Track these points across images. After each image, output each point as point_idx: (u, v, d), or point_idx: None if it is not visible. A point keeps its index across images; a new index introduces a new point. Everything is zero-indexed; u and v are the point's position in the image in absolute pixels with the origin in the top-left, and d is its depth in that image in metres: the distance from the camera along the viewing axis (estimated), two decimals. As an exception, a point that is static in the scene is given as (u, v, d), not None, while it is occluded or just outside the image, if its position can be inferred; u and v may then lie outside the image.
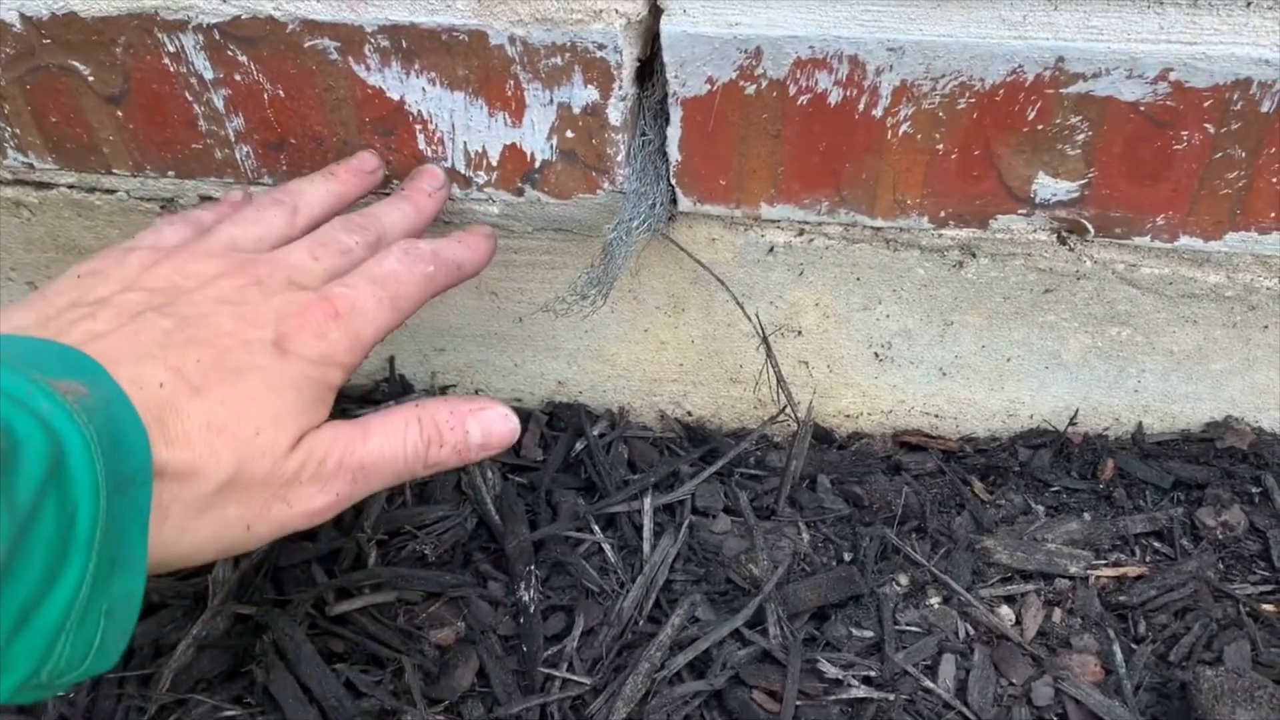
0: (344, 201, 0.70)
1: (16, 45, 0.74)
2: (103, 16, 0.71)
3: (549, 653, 0.71)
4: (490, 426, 0.62)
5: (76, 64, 0.75)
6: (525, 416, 0.90)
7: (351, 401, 0.91)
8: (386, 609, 0.74)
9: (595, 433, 0.86)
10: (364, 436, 0.57)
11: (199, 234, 0.65)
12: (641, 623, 0.72)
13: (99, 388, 0.47)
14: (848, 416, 0.86)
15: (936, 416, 0.84)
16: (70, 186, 0.84)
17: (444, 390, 0.91)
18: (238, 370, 0.54)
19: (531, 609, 0.72)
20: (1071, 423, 0.82)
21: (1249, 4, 0.58)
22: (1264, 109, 0.61)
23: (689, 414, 0.89)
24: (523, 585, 0.74)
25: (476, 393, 0.91)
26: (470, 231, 0.70)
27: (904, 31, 0.62)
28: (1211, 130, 0.63)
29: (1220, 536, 0.75)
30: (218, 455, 0.51)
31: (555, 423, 0.89)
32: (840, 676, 0.67)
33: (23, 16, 0.73)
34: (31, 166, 0.82)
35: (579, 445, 0.85)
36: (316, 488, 0.55)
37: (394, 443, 0.58)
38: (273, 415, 0.53)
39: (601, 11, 0.64)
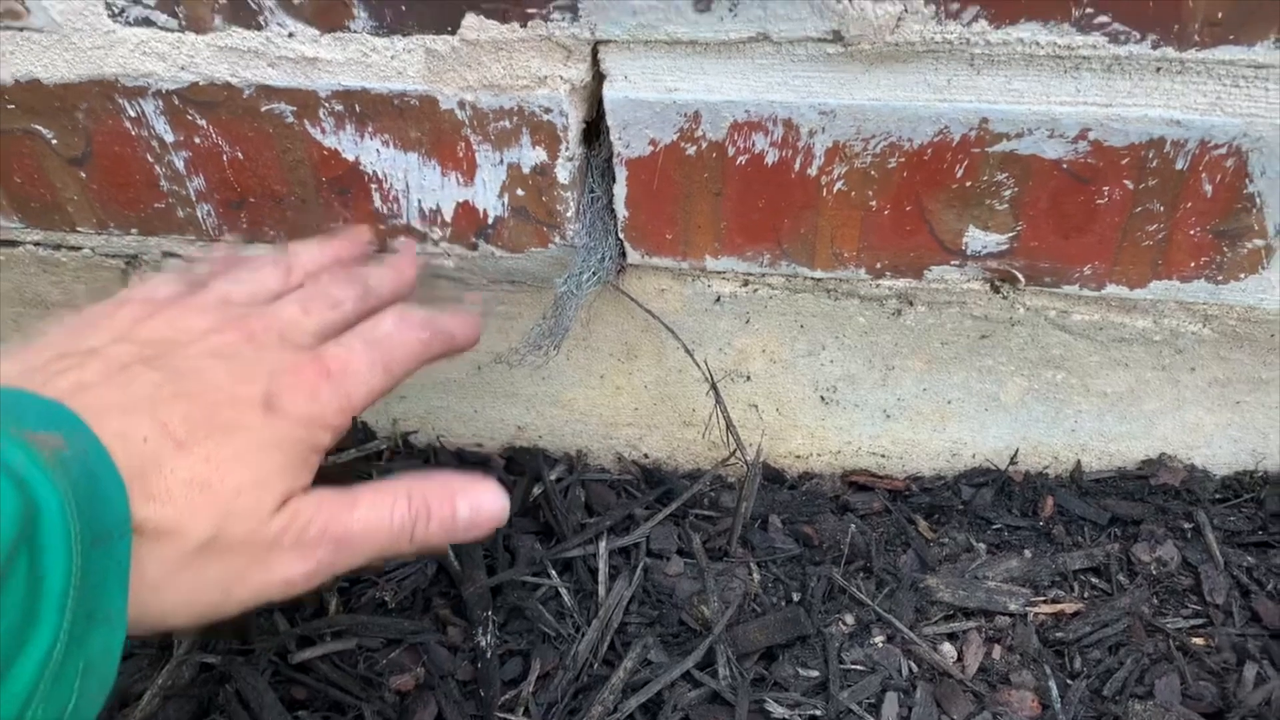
0: (337, 265, 0.71)
1: (-19, 110, 0.76)
2: (65, 83, 0.74)
3: (506, 697, 0.72)
4: (480, 504, 0.60)
5: (39, 128, 0.77)
6: (484, 460, 0.92)
7: (315, 448, 0.93)
8: (347, 656, 0.75)
9: (553, 477, 0.88)
10: (351, 506, 0.56)
11: (192, 289, 0.65)
12: (596, 666, 0.74)
13: (77, 440, 0.47)
14: (798, 457, 0.88)
15: (883, 456, 0.87)
16: (36, 244, 0.86)
17: (405, 438, 0.93)
18: (225, 427, 0.53)
19: (489, 654, 0.74)
20: (1012, 462, 0.85)
21: (1159, 69, 0.61)
22: (1178, 166, 0.64)
23: (645, 456, 0.91)
24: (480, 630, 0.75)
25: (438, 439, 0.93)
26: (464, 308, 0.71)
27: (834, 96, 0.65)
28: (1131, 186, 0.66)
29: (1154, 572, 0.77)
30: (199, 513, 0.50)
31: (513, 467, 0.91)
32: (787, 716, 0.69)
33: (-14, 83, 0.75)
34: (-3, 225, 0.84)
35: (537, 490, 0.87)
36: (297, 554, 0.54)
37: (381, 514, 0.57)
38: (257, 476, 0.53)
39: (546, 78, 0.67)
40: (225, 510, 0.51)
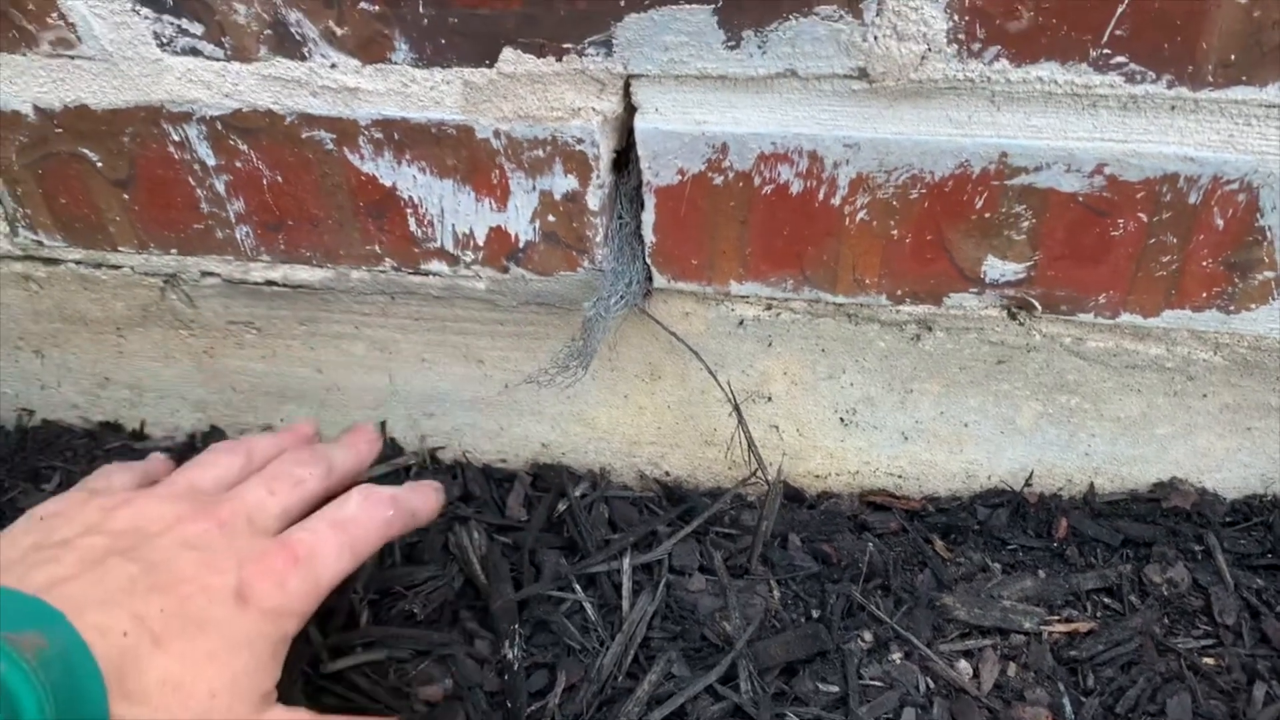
0: (296, 445, 0.73)
1: (30, 133, 0.79)
2: (112, 109, 0.76)
3: (532, 709, 0.74)
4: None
5: (86, 151, 0.79)
6: (510, 477, 0.94)
7: (344, 463, 0.95)
8: (378, 667, 0.78)
9: (577, 493, 0.90)
10: None
11: (145, 481, 0.68)
12: (620, 679, 0.76)
13: (58, 638, 0.48)
14: (817, 477, 0.90)
15: (900, 477, 0.89)
16: (77, 262, 0.88)
17: (433, 454, 0.95)
18: (198, 622, 0.55)
19: (515, 666, 0.76)
20: (1027, 484, 0.87)
21: (1173, 108, 0.63)
22: (1191, 200, 0.66)
23: (667, 474, 0.93)
24: (507, 643, 0.77)
25: (464, 454, 0.96)
26: (423, 483, 0.73)
27: (859, 130, 0.67)
28: (1145, 219, 0.68)
29: (1165, 593, 0.79)
30: (173, 716, 0.51)
31: (539, 483, 0.93)
32: (807, 730, 0.71)
33: (36, 108, 0.77)
34: (41, 244, 0.87)
35: (561, 506, 0.89)
36: None
37: None
38: (229, 677, 0.54)
39: (580, 110, 0.69)
40: (199, 712, 0.52)
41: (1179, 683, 0.74)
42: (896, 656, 0.77)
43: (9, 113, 0.78)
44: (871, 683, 0.75)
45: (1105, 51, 0.61)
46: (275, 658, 0.58)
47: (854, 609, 0.80)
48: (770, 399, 0.85)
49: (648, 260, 0.78)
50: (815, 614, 0.80)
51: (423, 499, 0.70)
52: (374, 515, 0.65)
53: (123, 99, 0.76)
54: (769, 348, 0.82)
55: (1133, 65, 0.61)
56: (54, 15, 0.72)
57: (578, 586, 0.82)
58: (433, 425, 0.94)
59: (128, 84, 0.75)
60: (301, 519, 0.64)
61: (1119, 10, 0.59)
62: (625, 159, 0.75)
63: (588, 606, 0.81)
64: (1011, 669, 0.76)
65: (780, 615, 0.80)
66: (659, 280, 0.79)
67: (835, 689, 0.74)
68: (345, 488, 0.68)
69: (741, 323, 0.81)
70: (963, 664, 0.76)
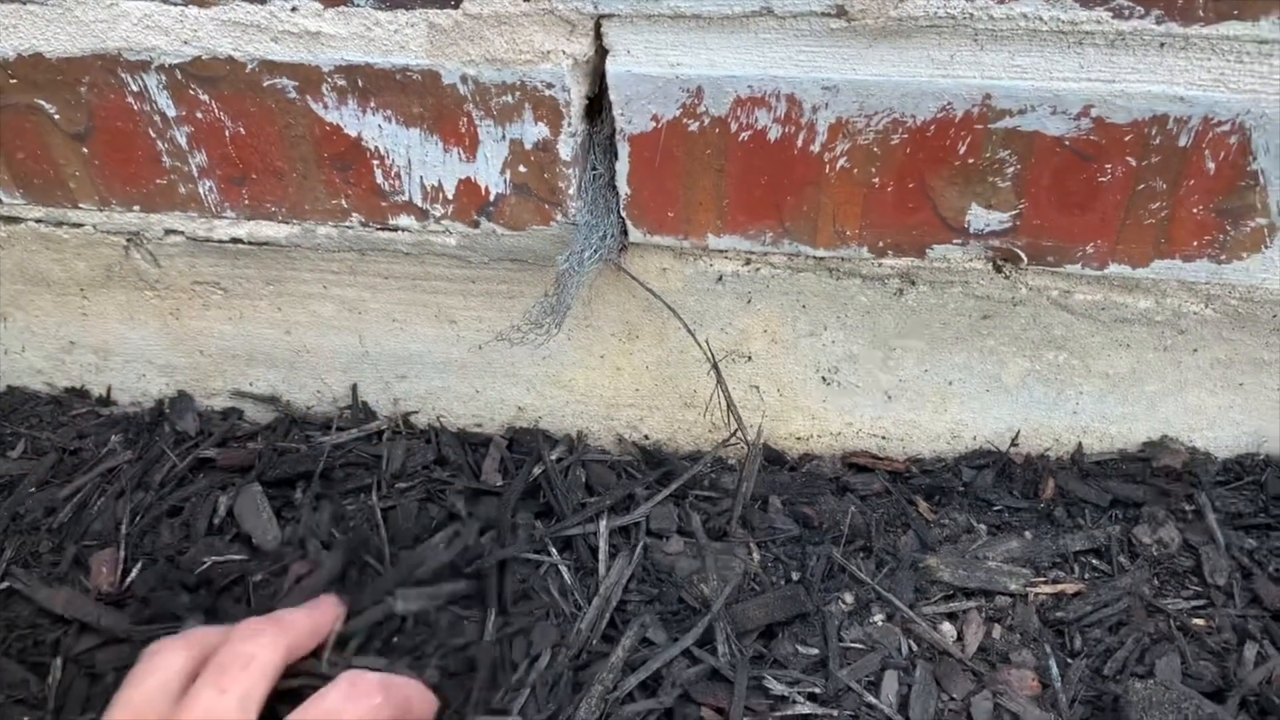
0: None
1: (-17, 85, 0.77)
2: (67, 57, 0.74)
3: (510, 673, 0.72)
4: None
5: (42, 103, 0.77)
6: (486, 441, 0.92)
7: (315, 428, 0.93)
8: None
9: (553, 457, 0.88)
10: None
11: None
12: (596, 642, 0.74)
13: None
14: (798, 439, 0.88)
15: (883, 438, 0.87)
16: (38, 221, 0.86)
17: (406, 418, 0.93)
18: None
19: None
20: (1013, 443, 0.85)
21: (1163, 45, 0.61)
22: (1181, 143, 0.64)
23: (646, 437, 0.91)
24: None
25: (438, 419, 0.93)
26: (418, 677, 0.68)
27: (838, 71, 0.65)
28: (1133, 163, 0.66)
29: (1155, 553, 0.77)
30: None
31: (515, 447, 0.91)
32: (785, 693, 0.69)
33: (-11, 57, 0.75)
34: (0, 202, 0.84)
35: (538, 470, 0.87)
36: None
37: None
38: None
39: (549, 53, 0.67)
40: None
41: (1168, 643, 0.72)
42: (878, 618, 0.75)
43: (-39, 62, 0.76)
44: (853, 645, 0.73)
45: (1092, -15, 0.58)
46: None
47: (835, 571, 0.78)
48: (750, 358, 0.83)
49: (622, 213, 0.75)
50: (795, 576, 0.78)
51: (419, 690, 0.65)
52: (359, 710, 0.59)
53: (78, 46, 0.73)
54: (748, 304, 0.79)
55: (1121, 1, 0.59)
56: (3, -43, 0.69)
57: (553, 550, 0.80)
58: (406, 388, 0.92)
59: (83, 30, 0.72)
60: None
61: (1106, -61, 0.57)
62: (598, 107, 0.72)
63: (563, 570, 0.79)
64: (996, 631, 0.74)
65: (760, 578, 0.78)
66: (634, 234, 0.76)
67: (815, 651, 0.72)
68: (311, 647, 0.66)
69: (720, 279, 0.78)
70: (946, 626, 0.74)
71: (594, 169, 0.75)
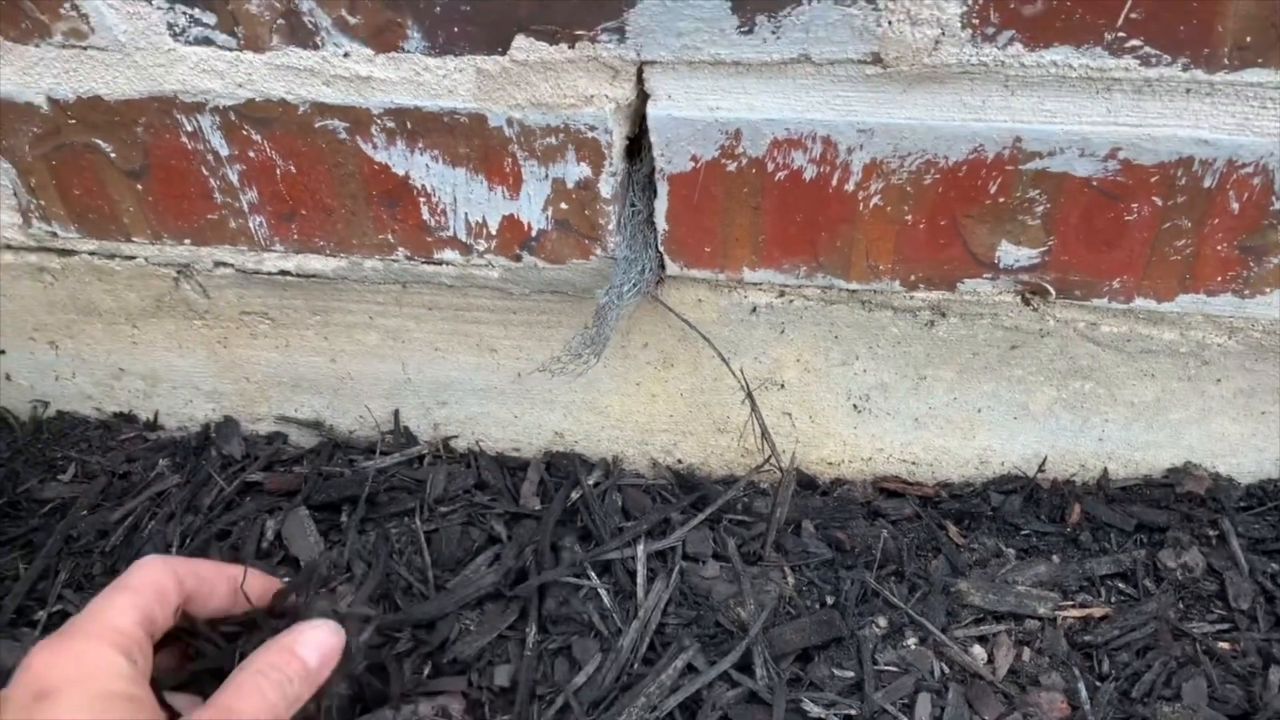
0: None
1: (43, 125, 0.79)
2: (125, 99, 0.76)
3: (550, 693, 0.75)
4: (318, 644, 0.63)
5: (100, 142, 0.80)
6: (524, 465, 0.94)
7: (357, 453, 0.95)
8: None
9: (590, 481, 0.90)
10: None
11: None
12: (636, 665, 0.76)
13: None
14: (830, 464, 0.90)
15: (913, 464, 0.89)
16: (92, 253, 0.88)
17: (446, 442, 0.95)
18: None
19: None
20: (1040, 469, 0.87)
21: (1188, 90, 0.63)
22: (1206, 184, 0.66)
23: (679, 462, 0.93)
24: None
25: (477, 443, 0.96)
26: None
27: (873, 115, 0.67)
28: (1159, 203, 0.68)
29: (1180, 577, 0.79)
30: None
31: (552, 471, 0.93)
32: (823, 715, 0.71)
33: (50, 99, 0.78)
34: (55, 235, 0.87)
35: (575, 494, 0.89)
36: None
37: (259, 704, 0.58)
38: None
39: (593, 97, 0.69)
40: None
41: (1194, 667, 0.74)
42: (911, 642, 0.77)
43: (22, 104, 0.78)
44: (887, 668, 0.75)
45: (1120, 35, 0.60)
46: None
47: (868, 595, 0.80)
48: (783, 386, 0.85)
49: (660, 248, 0.78)
50: (829, 600, 0.80)
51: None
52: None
53: (136, 89, 0.76)
54: (782, 335, 0.82)
55: (1148, 48, 0.61)
56: (67, 6, 0.72)
57: (593, 573, 0.82)
58: (446, 414, 0.94)
59: (141, 74, 0.75)
60: None
61: (1134, -7, 0.59)
62: (638, 146, 0.75)
63: (603, 593, 0.81)
64: (1026, 654, 0.76)
65: (794, 602, 0.80)
66: (671, 268, 0.79)
67: (850, 674, 0.75)
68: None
69: (754, 310, 0.81)
70: (977, 649, 0.77)
71: (633, 205, 0.77)
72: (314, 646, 0.63)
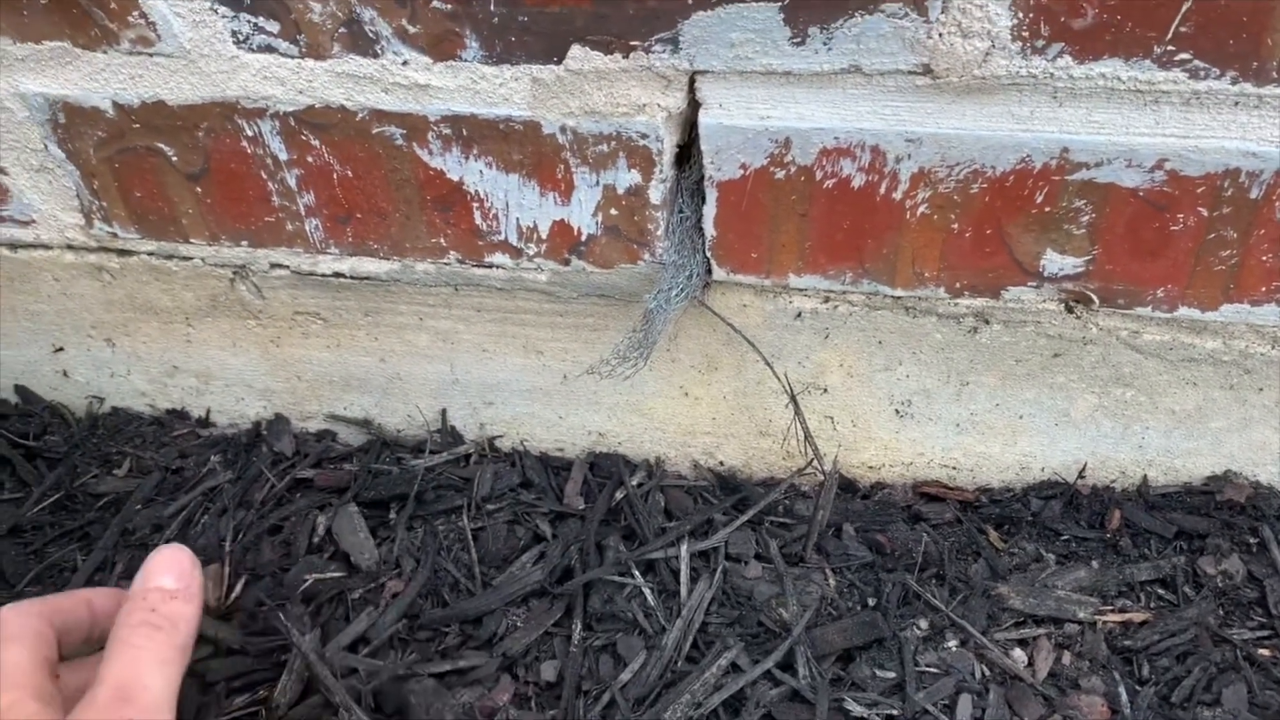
0: None
1: (108, 129, 0.82)
2: (188, 105, 0.79)
3: (596, 689, 0.76)
4: (165, 564, 0.64)
5: (162, 146, 0.82)
6: (567, 465, 0.96)
7: (405, 451, 0.97)
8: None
9: (634, 482, 0.92)
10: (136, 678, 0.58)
11: None
12: (680, 663, 0.78)
13: None
14: (870, 468, 0.91)
15: (954, 469, 0.90)
16: (150, 254, 0.91)
17: (491, 442, 0.97)
18: None
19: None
20: (1080, 476, 0.87)
21: (1236, 103, 0.64)
22: (1252, 195, 0.67)
23: (721, 464, 0.95)
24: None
25: (522, 443, 0.97)
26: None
27: (921, 125, 0.68)
28: (1205, 213, 0.69)
29: (1220, 584, 0.80)
30: None
31: (596, 471, 0.95)
32: (865, 715, 0.73)
33: (115, 104, 0.80)
34: (115, 235, 0.89)
35: (619, 494, 0.91)
36: None
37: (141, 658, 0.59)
38: None
39: (645, 106, 0.71)
40: None
41: (1235, 673, 0.74)
42: (952, 644, 0.78)
43: (89, 109, 0.81)
44: (928, 669, 0.76)
45: (1169, 48, 0.61)
46: None
47: (909, 597, 0.81)
48: (826, 390, 0.87)
49: (707, 253, 0.79)
50: (871, 602, 0.81)
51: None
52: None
53: (199, 95, 0.78)
54: (826, 339, 0.83)
55: (1197, 62, 0.62)
56: (135, 14, 0.74)
57: (637, 572, 0.84)
58: (492, 414, 0.96)
59: (204, 81, 0.77)
60: None
61: (1184, 7, 0.60)
62: (687, 153, 0.76)
63: (646, 592, 0.82)
64: (1066, 658, 0.77)
65: (836, 603, 0.81)
66: (718, 273, 0.80)
67: (892, 675, 0.76)
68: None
69: (799, 315, 0.82)
70: (1018, 652, 0.77)
71: (681, 212, 0.78)
72: (163, 567, 0.64)
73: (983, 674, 0.76)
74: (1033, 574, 0.82)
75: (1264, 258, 0.70)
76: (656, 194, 0.75)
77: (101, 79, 0.79)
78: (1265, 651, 0.76)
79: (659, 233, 0.78)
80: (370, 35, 0.72)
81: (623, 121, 0.72)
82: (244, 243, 0.87)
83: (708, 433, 0.92)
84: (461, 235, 0.81)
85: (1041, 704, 0.74)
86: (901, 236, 0.74)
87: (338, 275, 0.87)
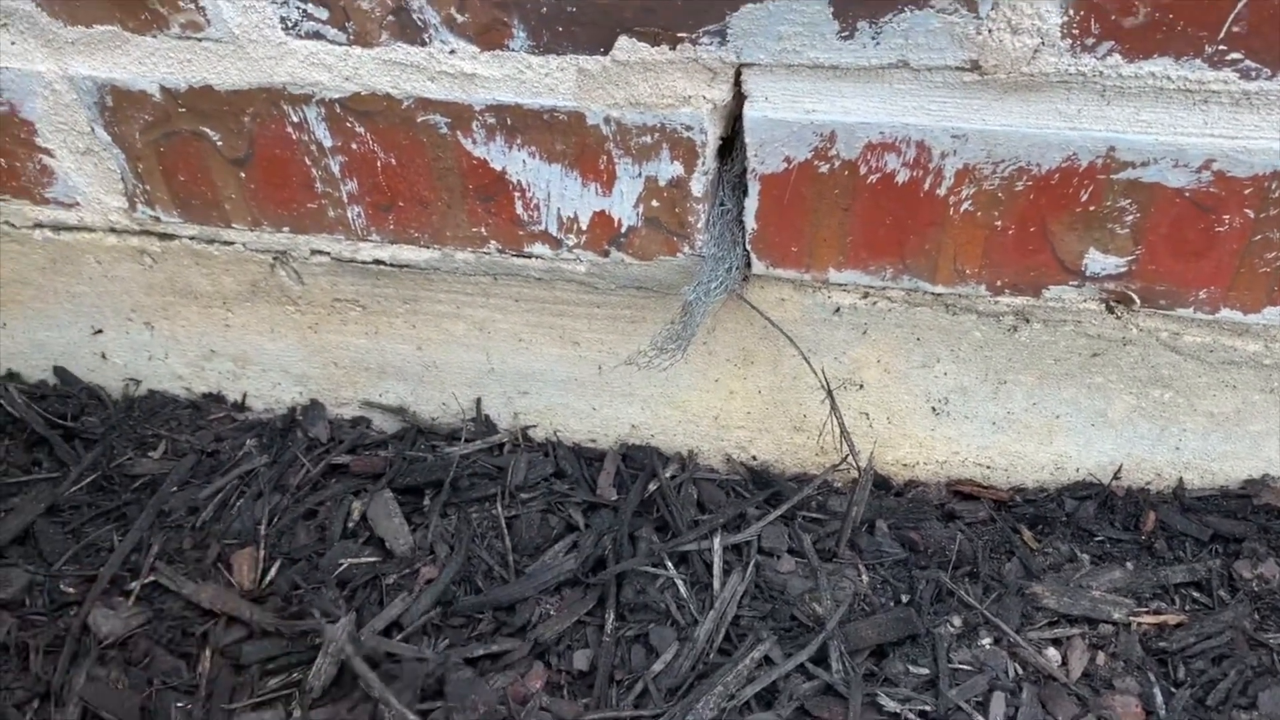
0: None
1: (154, 113, 0.82)
2: (235, 90, 0.79)
3: (629, 678, 0.77)
4: None
5: (207, 130, 0.82)
6: (600, 456, 0.96)
7: (439, 438, 0.98)
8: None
9: (667, 475, 0.92)
10: None
11: None
12: (713, 655, 0.78)
13: None
14: (905, 465, 0.91)
15: (988, 468, 0.90)
16: (191, 238, 0.91)
17: (525, 431, 0.98)
18: None
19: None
20: (1116, 477, 0.87)
21: (1286, 104, 0.63)
22: (1300, 197, 0.67)
23: (754, 458, 0.95)
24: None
25: (555, 433, 0.98)
26: None
27: (968, 121, 0.68)
28: (1251, 215, 0.68)
29: (1256, 588, 0.80)
30: None
31: (628, 463, 0.95)
32: (898, 710, 0.73)
33: (162, 88, 0.80)
34: (158, 219, 0.90)
35: (652, 486, 0.91)
36: None
37: None
38: None
39: (690, 98, 0.71)
40: None
41: (1270, 677, 0.74)
42: (986, 642, 0.78)
43: (136, 92, 0.81)
44: (961, 666, 0.76)
45: (1220, 48, 0.61)
46: None
47: (943, 594, 0.81)
48: (862, 387, 0.87)
49: (747, 246, 0.79)
50: (904, 599, 0.81)
51: None
52: None
53: (246, 80, 0.79)
54: (864, 335, 0.83)
55: (1248, 62, 0.62)
56: (186, -1, 0.75)
57: (670, 564, 0.84)
58: (526, 404, 0.96)
59: (251, 66, 0.78)
60: None
61: (1237, 6, 0.59)
62: (729, 146, 0.76)
63: (679, 583, 0.83)
64: (1100, 658, 0.77)
65: (869, 599, 0.81)
66: (757, 266, 0.80)
67: (925, 671, 0.76)
68: None
69: (838, 310, 0.82)
70: (1051, 651, 0.77)
71: (722, 204, 0.79)
72: None
73: (1016, 672, 0.76)
74: (1067, 574, 0.82)
75: (1310, 260, 0.70)
76: (698, 186, 0.76)
77: (150, 63, 0.80)
78: (1302, 656, 0.76)
79: (699, 225, 0.78)
80: (418, 23, 0.72)
81: (667, 113, 0.72)
82: (285, 229, 0.88)
83: (741, 426, 0.93)
84: (502, 225, 0.82)
85: (1075, 704, 0.74)
86: (944, 233, 0.74)
87: (378, 263, 0.88)
